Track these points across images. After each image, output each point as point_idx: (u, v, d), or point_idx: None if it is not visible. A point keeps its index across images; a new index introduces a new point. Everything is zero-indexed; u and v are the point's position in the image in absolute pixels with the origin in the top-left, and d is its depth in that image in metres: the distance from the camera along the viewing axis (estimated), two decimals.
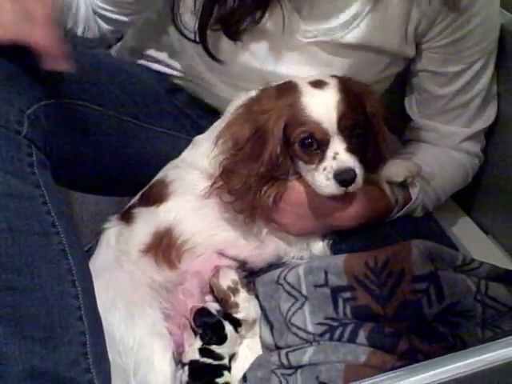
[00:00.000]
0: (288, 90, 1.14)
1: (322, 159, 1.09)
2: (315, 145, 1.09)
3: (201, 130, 1.31)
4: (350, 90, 1.12)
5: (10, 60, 1.03)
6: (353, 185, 1.08)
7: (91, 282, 1.06)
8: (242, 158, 1.12)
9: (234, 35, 1.18)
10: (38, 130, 1.03)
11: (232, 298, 1.18)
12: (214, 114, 1.32)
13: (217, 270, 1.20)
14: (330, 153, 1.09)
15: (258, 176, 1.12)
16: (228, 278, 1.19)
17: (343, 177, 1.07)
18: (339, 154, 1.08)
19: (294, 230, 1.19)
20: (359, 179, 1.08)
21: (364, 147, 1.13)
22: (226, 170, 1.13)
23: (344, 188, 1.08)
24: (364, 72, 1.22)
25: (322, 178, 1.09)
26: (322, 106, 1.09)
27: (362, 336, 1.07)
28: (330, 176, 1.08)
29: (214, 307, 1.18)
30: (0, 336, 0.93)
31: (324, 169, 1.08)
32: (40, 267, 0.98)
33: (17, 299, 0.95)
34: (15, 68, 1.03)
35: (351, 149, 1.09)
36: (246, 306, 1.17)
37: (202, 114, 1.39)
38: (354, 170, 1.08)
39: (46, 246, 1.00)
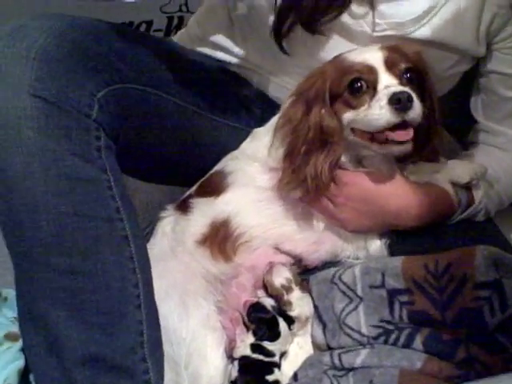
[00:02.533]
0: (332, 59, 1.16)
1: (373, 96, 1.07)
2: (364, 86, 1.08)
3: (261, 122, 1.30)
4: (397, 47, 1.12)
5: (82, 43, 1.03)
6: (411, 111, 1.03)
7: (150, 272, 1.07)
8: (299, 137, 1.11)
9: (314, 29, 1.17)
10: (106, 114, 1.03)
11: (285, 296, 1.17)
12: (277, 106, 1.30)
13: (270, 267, 1.19)
14: (380, 87, 1.07)
15: (308, 143, 1.10)
16: (281, 276, 1.17)
17: (397, 96, 1.02)
18: (391, 87, 1.06)
19: (351, 227, 1.17)
20: (417, 106, 1.04)
21: (419, 98, 1.07)
22: (287, 155, 1.12)
23: (401, 115, 1.03)
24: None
25: (375, 110, 1.05)
26: (367, 51, 1.11)
27: (418, 341, 1.04)
28: (384, 103, 1.04)
29: (269, 302, 1.17)
30: (60, 319, 0.94)
31: (377, 100, 1.05)
32: (103, 253, 0.98)
33: (78, 283, 0.96)
34: (88, 51, 1.04)
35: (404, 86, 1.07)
36: (300, 304, 1.16)
37: (265, 106, 1.38)
38: (409, 93, 1.03)
39: (109, 232, 1.00)
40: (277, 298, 1.18)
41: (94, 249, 0.98)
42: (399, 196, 1.11)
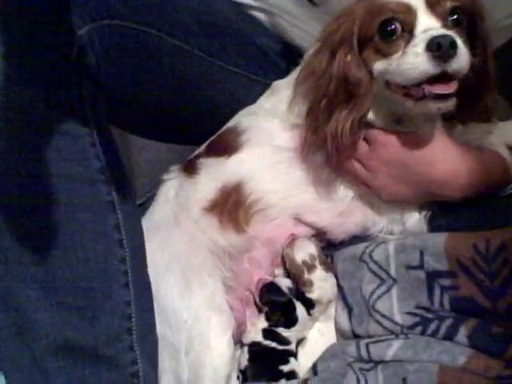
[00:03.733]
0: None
1: (409, 41, 0.90)
2: (399, 29, 0.91)
3: (281, 73, 1.16)
4: None
5: None
6: (454, 60, 0.86)
7: (142, 244, 0.94)
8: (321, 89, 0.96)
9: None
10: (90, 55, 0.90)
11: (306, 275, 1.04)
12: (300, 56, 1.13)
13: (292, 240, 1.06)
14: (418, 30, 0.90)
15: (329, 96, 0.95)
16: (305, 251, 1.04)
17: (437, 41, 0.85)
18: (431, 30, 0.89)
19: (386, 196, 1.03)
20: (462, 55, 0.86)
21: (468, 46, 0.91)
22: (309, 111, 0.98)
23: (441, 64, 0.86)
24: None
25: (410, 58, 0.89)
26: None
27: (462, 333, 0.91)
28: (421, 49, 0.87)
29: (285, 283, 1.04)
30: (31, 299, 0.82)
31: (413, 46, 0.89)
32: (82, 221, 0.86)
33: (51, 257, 0.84)
34: None
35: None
36: (322, 286, 1.03)
37: (287, 55, 1.21)
38: (452, 38, 0.86)
39: (91, 196, 0.88)
40: (295, 276, 1.05)
41: (71, 215, 0.85)
42: (446, 161, 0.96)
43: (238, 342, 1.03)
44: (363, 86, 0.95)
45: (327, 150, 0.97)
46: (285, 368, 0.99)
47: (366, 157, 0.99)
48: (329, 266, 1.05)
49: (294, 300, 1.02)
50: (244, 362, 1.00)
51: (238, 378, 1.01)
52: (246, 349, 1.02)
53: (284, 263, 1.07)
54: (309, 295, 1.03)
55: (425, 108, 0.92)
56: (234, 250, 1.05)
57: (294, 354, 1.02)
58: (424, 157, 0.96)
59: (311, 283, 1.03)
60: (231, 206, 1.06)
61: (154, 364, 0.90)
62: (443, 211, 1.03)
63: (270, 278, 1.05)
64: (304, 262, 1.04)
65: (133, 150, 1.55)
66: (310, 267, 1.04)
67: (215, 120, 1.14)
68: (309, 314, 1.02)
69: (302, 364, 1.02)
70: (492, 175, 0.98)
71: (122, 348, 0.86)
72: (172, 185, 1.11)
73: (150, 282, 0.95)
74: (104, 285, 0.86)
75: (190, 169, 1.11)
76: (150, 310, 0.92)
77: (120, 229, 0.89)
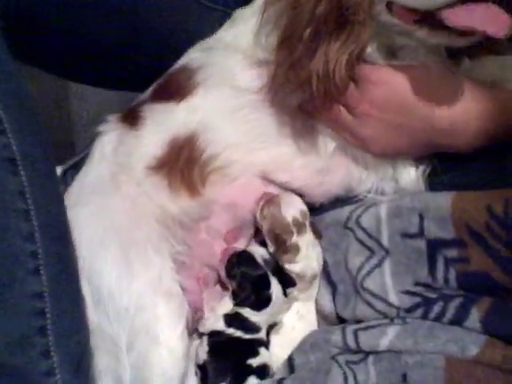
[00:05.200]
0: None
1: None
2: None
3: (247, 2, 1.01)
4: None
5: None
6: None
7: (60, 214, 0.74)
8: (303, 13, 0.80)
9: None
10: None
11: (294, 238, 0.88)
12: None
13: (273, 197, 0.90)
14: None
15: (316, 22, 0.80)
16: (295, 207, 0.89)
17: None
18: None
19: (377, 149, 0.88)
20: None
21: None
22: (284, 42, 0.82)
23: None
24: None
25: None
26: None
27: (474, 317, 0.77)
28: None
29: (260, 253, 0.90)
30: None
31: None
32: None
33: None
34: None
35: None
36: (309, 255, 0.88)
37: None
38: None
39: None
40: (278, 241, 0.88)
41: None
42: (454, 102, 0.80)
43: (194, 331, 0.88)
44: (363, 10, 0.79)
45: (311, 91, 0.81)
46: (254, 362, 0.84)
47: (353, 99, 0.83)
48: (316, 231, 0.90)
49: (270, 275, 0.87)
50: (203, 356, 0.85)
51: (196, 374, 0.85)
52: (205, 339, 0.85)
53: (256, 230, 0.92)
54: (290, 267, 0.87)
55: (445, 40, 0.77)
56: (187, 218, 0.91)
57: (265, 344, 0.87)
58: (426, 97, 0.80)
59: (297, 249, 0.88)
60: (183, 163, 0.91)
61: (80, 372, 0.72)
62: (446, 165, 0.88)
63: (241, 247, 0.90)
64: (294, 221, 0.89)
65: (72, 100, 1.41)
66: (301, 226, 0.89)
67: (163, 58, 0.98)
68: (285, 294, 0.86)
69: (275, 355, 0.87)
70: (508, 120, 0.82)
71: (33, 354, 0.69)
72: (109, 139, 0.95)
73: (74, 263, 0.78)
74: (4, 270, 0.69)
75: (131, 118, 0.95)
76: (74, 301, 0.75)
77: (25, 194, 0.72)
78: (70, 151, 1.21)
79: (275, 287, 0.87)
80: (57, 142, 1.33)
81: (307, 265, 0.88)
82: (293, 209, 0.90)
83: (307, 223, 0.89)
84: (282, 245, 0.88)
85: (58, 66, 1.02)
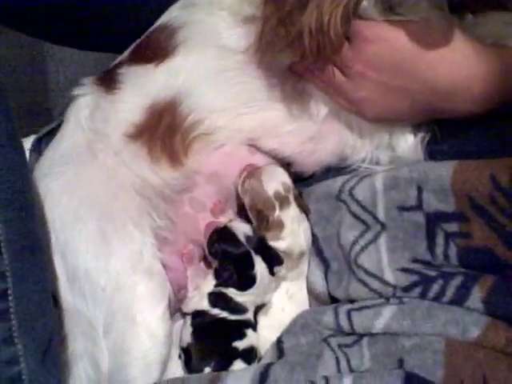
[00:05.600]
0: None
1: None
2: None
3: None
4: None
5: None
6: None
7: (24, 185, 0.66)
8: None
9: None
10: None
11: (276, 213, 0.82)
12: None
13: (254, 168, 0.84)
14: None
15: None
16: (277, 180, 0.84)
17: None
18: None
19: (372, 113, 0.81)
20: None
21: None
22: None
23: None
24: None
25: None
26: None
27: (475, 296, 0.71)
28: None
29: (242, 229, 0.82)
30: None
31: None
32: None
33: None
34: None
35: None
36: (294, 230, 0.82)
37: None
38: None
39: None
40: (260, 216, 0.83)
41: None
42: (456, 62, 0.73)
43: (177, 311, 0.82)
44: None
45: (302, 49, 0.74)
46: (240, 344, 0.79)
47: (347, 58, 0.76)
48: (302, 204, 0.85)
49: (253, 253, 0.80)
50: (187, 338, 0.79)
51: (179, 357, 0.79)
52: (188, 320, 0.80)
53: (239, 204, 0.85)
54: (276, 244, 0.81)
55: None
56: (169, 189, 0.84)
57: (253, 325, 0.81)
58: (426, 56, 0.73)
59: (281, 225, 0.82)
60: (164, 130, 0.85)
61: (48, 359, 0.66)
62: (446, 132, 0.81)
63: (223, 222, 0.83)
64: (276, 194, 0.83)
65: (49, 63, 1.31)
66: (283, 200, 0.83)
67: (141, 16, 0.91)
68: (272, 272, 0.80)
69: (264, 337, 0.81)
70: None
71: None
72: (85, 103, 0.88)
73: (40, 240, 0.70)
74: None
75: (108, 81, 0.88)
76: (40, 281, 0.67)
77: None
78: (46, 118, 1.14)
79: (259, 266, 0.81)
80: (32, 109, 1.26)
81: (294, 241, 0.82)
82: (274, 181, 0.84)
83: (291, 197, 0.83)
84: (265, 221, 0.83)
85: (33, 24, 0.93)
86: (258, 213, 0.83)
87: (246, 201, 0.84)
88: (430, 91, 0.76)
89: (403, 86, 0.76)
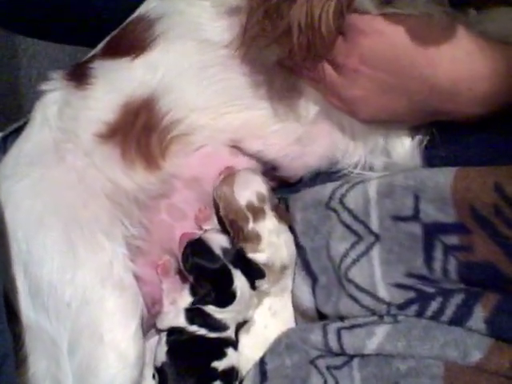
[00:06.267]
0: None
1: None
2: None
3: None
4: None
5: None
6: None
7: None
8: None
9: None
10: None
11: (250, 225, 0.76)
12: None
13: (230, 174, 0.78)
14: None
15: None
16: (250, 188, 0.78)
17: None
18: None
19: (365, 113, 0.75)
20: None
21: None
22: None
23: None
24: None
25: None
26: None
27: (478, 316, 0.66)
28: None
29: (217, 242, 0.76)
30: None
31: None
32: None
33: None
34: None
35: None
36: (273, 243, 0.76)
37: None
38: None
39: None
40: (233, 228, 0.76)
41: None
42: (459, 59, 0.67)
43: (151, 327, 0.75)
44: None
45: (290, 45, 0.69)
46: (220, 364, 0.73)
47: (341, 54, 0.70)
48: (282, 215, 0.79)
49: (231, 267, 0.73)
50: (161, 357, 0.73)
51: (153, 377, 0.73)
52: (163, 337, 0.73)
53: (217, 210, 0.78)
54: (255, 257, 0.75)
55: None
56: (144, 195, 0.78)
57: (234, 343, 0.75)
58: (425, 52, 0.67)
59: (258, 237, 0.76)
60: (139, 130, 0.79)
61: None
62: (446, 136, 0.75)
63: (198, 233, 0.76)
64: (249, 205, 0.77)
65: (21, 57, 1.24)
66: (257, 212, 0.77)
67: (120, 7, 0.84)
68: (253, 287, 0.74)
69: (245, 357, 0.75)
70: None
71: None
72: (53, 100, 0.82)
73: None
74: None
75: (79, 76, 0.82)
76: None
77: None
78: (17, 116, 1.07)
79: (239, 281, 0.74)
80: (1, 105, 1.20)
81: (274, 254, 0.77)
82: (247, 191, 0.78)
83: (266, 208, 0.77)
84: (239, 233, 0.76)
85: (5, 15, 0.87)
86: (231, 223, 0.77)
87: (221, 208, 0.78)
88: (429, 90, 0.69)
89: (400, 85, 0.70)
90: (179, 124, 0.79)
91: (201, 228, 0.78)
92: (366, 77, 0.71)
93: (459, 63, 0.68)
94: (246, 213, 0.77)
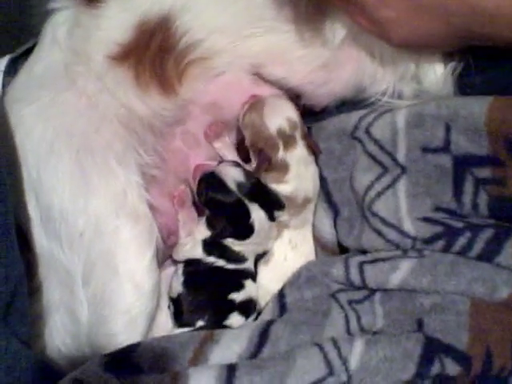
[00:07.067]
0: None
1: None
2: None
3: None
4: None
5: None
6: None
7: None
8: None
9: None
10: None
11: (280, 153, 0.72)
12: None
13: (257, 100, 0.73)
14: None
15: None
16: (282, 115, 0.73)
17: None
18: None
19: (398, 36, 0.68)
20: None
21: None
22: None
23: None
24: None
25: None
26: None
27: (508, 252, 0.64)
28: None
29: (231, 175, 0.72)
30: None
31: None
32: None
33: None
34: None
35: None
36: (301, 174, 0.73)
37: None
38: None
39: None
40: (261, 156, 0.72)
41: None
42: None
43: (167, 258, 0.73)
44: None
45: None
46: (237, 296, 0.70)
47: None
48: (311, 144, 0.74)
49: (247, 201, 0.69)
50: (177, 288, 0.70)
51: (169, 307, 0.71)
52: (180, 268, 0.71)
53: (240, 143, 0.75)
54: (278, 188, 0.71)
55: None
56: (159, 121, 0.74)
57: (252, 275, 0.73)
58: None
59: (285, 167, 0.73)
60: (155, 52, 0.73)
61: (11, 317, 0.56)
62: (481, 63, 0.70)
63: (211, 165, 0.72)
64: (280, 132, 0.72)
65: None
66: (289, 140, 0.73)
67: None
68: (272, 218, 0.70)
69: (264, 289, 0.73)
70: None
71: None
72: (63, 19, 0.76)
73: (3, 174, 0.59)
74: None
75: None
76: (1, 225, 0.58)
77: None
78: (26, 36, 1.02)
79: (256, 214, 0.71)
80: (9, 25, 1.13)
81: (299, 186, 0.73)
82: (278, 117, 0.73)
83: (297, 135, 0.73)
84: (267, 161, 0.72)
85: None
86: (259, 152, 0.73)
87: (247, 137, 0.74)
88: (470, 12, 0.63)
89: (438, 5, 0.64)
90: (197, 46, 0.73)
91: (218, 156, 0.74)
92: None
93: None
94: (276, 140, 0.73)
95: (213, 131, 0.74)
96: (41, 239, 0.67)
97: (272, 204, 0.71)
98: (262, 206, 0.71)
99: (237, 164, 0.73)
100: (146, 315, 0.67)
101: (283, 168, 0.72)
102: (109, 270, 0.67)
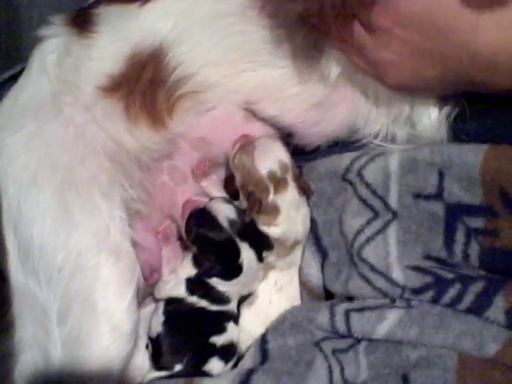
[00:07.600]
0: None
1: None
2: None
3: None
4: None
5: None
6: None
7: None
8: None
9: None
10: None
11: (270, 197, 0.70)
12: None
13: (247, 141, 0.72)
14: None
15: None
16: (272, 157, 0.71)
17: None
18: None
19: (394, 79, 0.68)
20: None
21: None
22: None
23: None
24: None
25: None
26: None
27: (498, 306, 0.63)
28: None
29: (224, 212, 0.71)
30: None
31: None
32: None
33: None
34: None
35: None
36: (292, 217, 0.71)
37: None
38: None
39: None
40: (251, 198, 0.70)
41: None
42: (503, 27, 0.60)
43: (148, 295, 0.71)
44: None
45: (323, 0, 0.61)
46: (218, 340, 0.68)
47: (375, 13, 0.62)
48: (303, 186, 0.73)
49: (238, 239, 0.68)
50: (157, 327, 0.68)
51: (146, 347, 0.69)
52: (160, 307, 0.69)
53: (228, 180, 0.74)
54: (269, 230, 0.70)
55: None
56: (146, 155, 0.73)
57: (235, 318, 0.71)
58: (468, 17, 0.59)
59: (276, 210, 0.71)
60: (146, 85, 0.73)
61: None
62: (476, 110, 0.69)
63: (202, 201, 0.71)
64: (271, 175, 0.70)
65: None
66: (279, 182, 0.71)
67: None
68: (260, 259, 0.69)
69: (246, 332, 0.71)
70: None
71: None
72: (53, 47, 0.75)
73: None
74: None
75: (82, 23, 0.76)
76: None
77: None
78: (14, 60, 1.01)
79: (246, 253, 0.70)
80: None
81: (289, 228, 0.71)
82: (269, 159, 0.72)
83: (289, 178, 0.71)
84: (257, 203, 0.70)
85: None
86: (249, 194, 0.71)
87: (237, 178, 0.73)
88: (467, 58, 0.62)
89: (436, 50, 0.63)
90: (189, 80, 0.73)
91: (198, 181, 0.72)
92: (399, 38, 0.64)
93: (505, 32, 0.61)
94: (267, 183, 0.71)
95: (200, 170, 0.73)
96: (17, 273, 0.66)
97: (261, 244, 0.70)
98: (252, 246, 0.69)
99: (228, 200, 0.71)
100: (123, 358, 0.65)
101: (274, 211, 0.71)
102: (86, 309, 0.65)
